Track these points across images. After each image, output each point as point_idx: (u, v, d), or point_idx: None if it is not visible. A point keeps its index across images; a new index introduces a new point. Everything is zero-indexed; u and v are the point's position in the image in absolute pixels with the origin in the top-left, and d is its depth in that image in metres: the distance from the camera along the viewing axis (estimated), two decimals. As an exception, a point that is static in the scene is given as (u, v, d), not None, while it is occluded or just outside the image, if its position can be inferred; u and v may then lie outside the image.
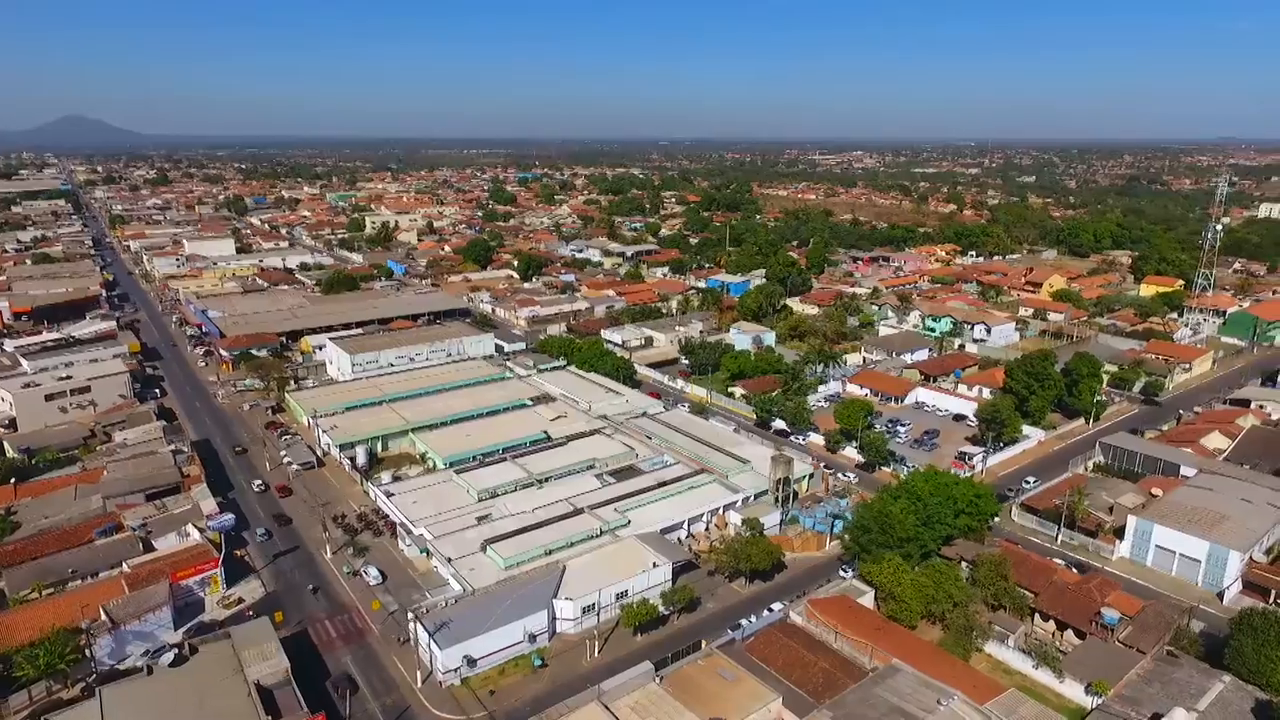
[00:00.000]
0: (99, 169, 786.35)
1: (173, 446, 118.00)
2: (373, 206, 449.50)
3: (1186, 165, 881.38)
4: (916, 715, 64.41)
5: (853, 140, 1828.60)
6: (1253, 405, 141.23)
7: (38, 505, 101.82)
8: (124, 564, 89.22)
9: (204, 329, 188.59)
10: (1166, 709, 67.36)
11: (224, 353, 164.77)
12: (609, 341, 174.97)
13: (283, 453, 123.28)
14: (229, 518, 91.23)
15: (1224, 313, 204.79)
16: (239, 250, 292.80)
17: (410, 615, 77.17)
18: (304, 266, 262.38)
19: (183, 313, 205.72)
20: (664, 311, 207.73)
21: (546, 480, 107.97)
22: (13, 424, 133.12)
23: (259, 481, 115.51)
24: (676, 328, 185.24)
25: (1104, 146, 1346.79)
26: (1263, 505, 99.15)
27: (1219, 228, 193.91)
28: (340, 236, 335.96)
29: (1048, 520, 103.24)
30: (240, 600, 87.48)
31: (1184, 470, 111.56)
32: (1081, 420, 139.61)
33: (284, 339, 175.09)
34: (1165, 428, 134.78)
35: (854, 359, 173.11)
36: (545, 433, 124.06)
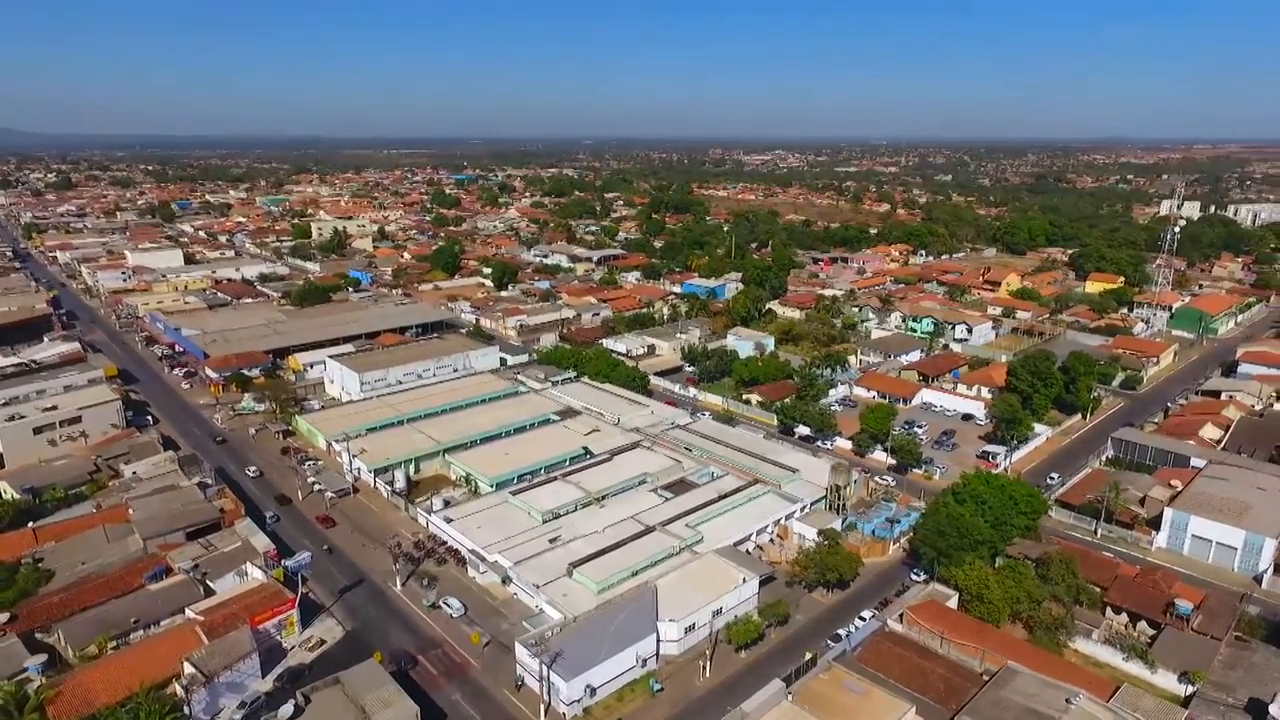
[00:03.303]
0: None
1: (197, 479, 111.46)
2: (310, 211, 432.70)
3: (1085, 164, 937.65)
4: (1051, 716, 67.34)
5: (771, 139, 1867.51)
6: (1223, 395, 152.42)
7: (67, 550, 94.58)
8: (186, 610, 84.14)
9: (178, 348, 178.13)
10: (1259, 693, 72.70)
11: (212, 374, 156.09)
12: (612, 351, 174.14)
13: (312, 479, 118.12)
14: (306, 555, 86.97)
15: (1171, 308, 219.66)
16: (186, 261, 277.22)
17: (526, 650, 75.45)
18: (264, 277, 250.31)
19: (149, 331, 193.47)
20: (655, 318, 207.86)
21: (605, 498, 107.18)
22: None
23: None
24: (678, 335, 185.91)
25: (1008, 146, 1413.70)
26: (1275, 492, 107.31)
27: (1176, 229, 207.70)
28: (289, 244, 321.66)
29: (1084, 515, 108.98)
30: (322, 642, 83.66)
31: (1194, 461, 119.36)
32: (1079, 416, 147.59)
33: (273, 357, 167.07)
34: (1158, 420, 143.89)
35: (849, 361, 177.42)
36: (585, 448, 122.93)
